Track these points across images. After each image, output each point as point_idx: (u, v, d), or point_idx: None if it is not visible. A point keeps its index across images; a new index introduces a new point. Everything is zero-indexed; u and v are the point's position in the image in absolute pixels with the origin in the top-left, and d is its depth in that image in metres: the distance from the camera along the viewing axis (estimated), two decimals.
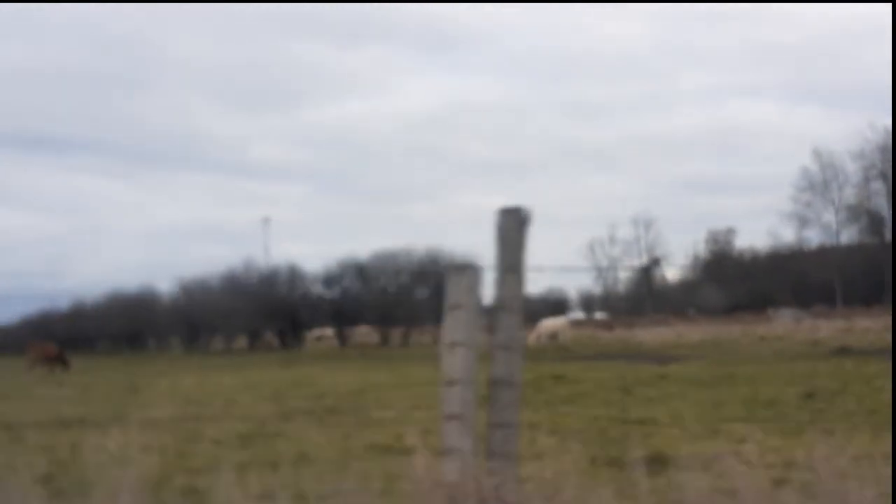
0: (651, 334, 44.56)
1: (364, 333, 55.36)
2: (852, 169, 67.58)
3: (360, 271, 52.58)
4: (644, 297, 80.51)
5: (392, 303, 50.15)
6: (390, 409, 12.83)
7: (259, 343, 59.76)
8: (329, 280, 54.70)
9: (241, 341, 62.45)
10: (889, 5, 58.40)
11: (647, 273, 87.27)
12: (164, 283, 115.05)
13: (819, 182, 68.36)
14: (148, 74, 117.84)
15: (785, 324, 46.88)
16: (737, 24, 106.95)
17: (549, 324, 38.63)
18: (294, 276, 58.05)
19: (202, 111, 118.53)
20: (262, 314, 56.96)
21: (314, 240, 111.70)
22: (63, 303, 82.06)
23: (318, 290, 57.32)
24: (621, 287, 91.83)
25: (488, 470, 4.27)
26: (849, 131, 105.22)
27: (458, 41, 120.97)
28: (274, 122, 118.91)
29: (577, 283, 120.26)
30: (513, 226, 4.48)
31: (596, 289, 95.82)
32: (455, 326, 4.54)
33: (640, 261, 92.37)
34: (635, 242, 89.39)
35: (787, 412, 11.00)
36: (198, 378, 22.39)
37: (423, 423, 10.76)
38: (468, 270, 4.62)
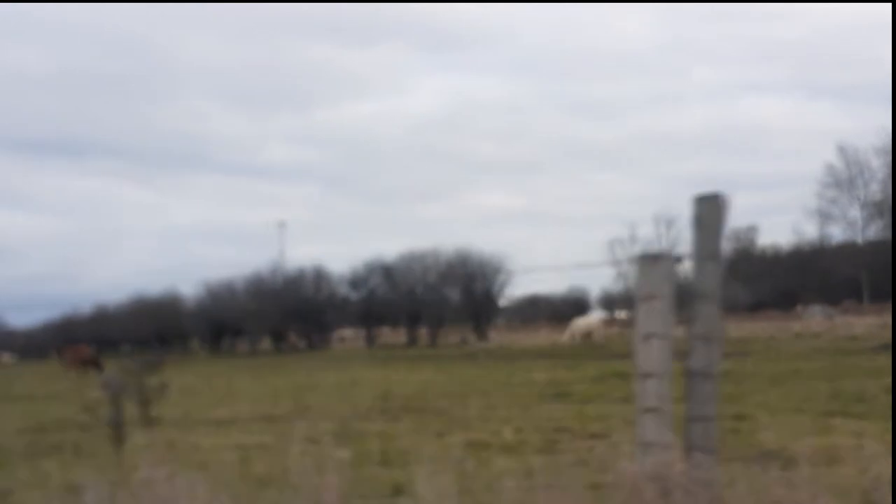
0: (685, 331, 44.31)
1: (390, 334, 55.37)
2: (877, 165, 67.03)
3: (387, 272, 52.50)
4: None
5: (419, 303, 50.09)
6: (466, 407, 12.72)
7: (284, 344, 59.80)
8: (355, 281, 54.70)
9: (266, 343, 62.56)
10: (889, 5, 57.94)
11: None
12: (181, 285, 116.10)
13: (845, 178, 67.85)
14: (161, 77, 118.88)
15: (817, 321, 46.56)
16: (744, 20, 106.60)
17: (583, 322, 38.46)
18: (319, 277, 58.16)
19: (215, 113, 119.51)
20: (288, 315, 57.07)
21: (326, 240, 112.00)
22: (83, 306, 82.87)
23: (342, 291, 57.48)
24: None
25: (691, 463, 4.15)
26: (871, 127, 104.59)
27: (467, 41, 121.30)
28: (286, 123, 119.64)
29: (599, 281, 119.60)
30: (711, 212, 4.37)
31: (616, 287, 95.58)
32: (650, 318, 4.40)
33: None
34: (657, 241, 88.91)
35: (878, 406, 10.82)
36: (247, 379, 22.34)
37: (514, 421, 10.67)
38: (663, 259, 4.50)
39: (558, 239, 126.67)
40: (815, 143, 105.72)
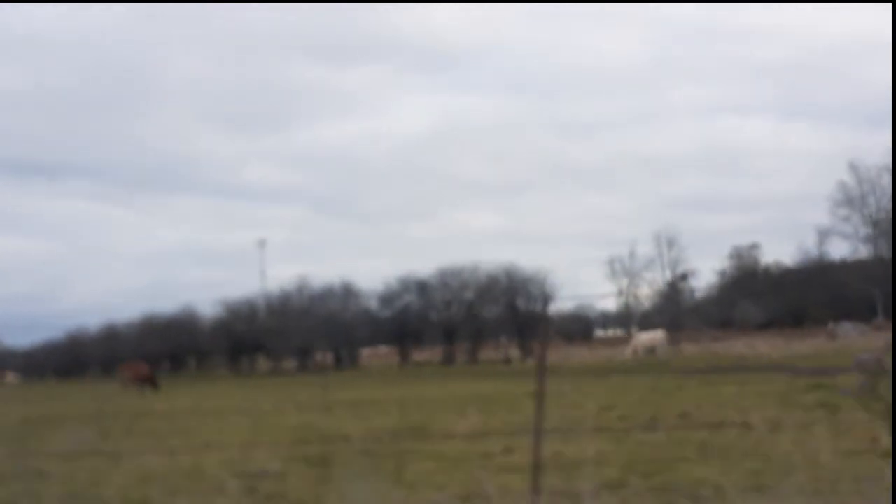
0: (729, 348, 44.50)
1: (423, 351, 55.13)
2: (887, 181, 68.22)
3: (422, 288, 52.31)
4: (677, 313, 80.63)
5: (457, 319, 49.97)
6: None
7: (310, 362, 59.19)
8: (388, 298, 54.39)
9: (288, 362, 61.98)
10: (889, 5, 59.07)
11: (674, 288, 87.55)
12: (162, 305, 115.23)
13: (857, 196, 68.91)
14: (144, 98, 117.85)
15: (853, 337, 47.04)
16: (727, 40, 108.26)
17: (647, 337, 38.51)
18: (348, 293, 57.76)
19: (199, 134, 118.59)
20: (316, 333, 56.56)
21: (309, 261, 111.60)
22: (88, 326, 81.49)
23: (371, 307, 57.15)
24: (647, 304, 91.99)
25: None
26: (850, 147, 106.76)
27: (452, 61, 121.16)
28: (270, 143, 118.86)
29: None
30: None
31: (612, 307, 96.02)
32: None
33: (663, 277, 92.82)
34: (658, 258, 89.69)
35: None
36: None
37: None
38: None
39: (544, 257, 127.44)
40: (790, 163, 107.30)
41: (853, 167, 69.64)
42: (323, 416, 16.53)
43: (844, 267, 72.36)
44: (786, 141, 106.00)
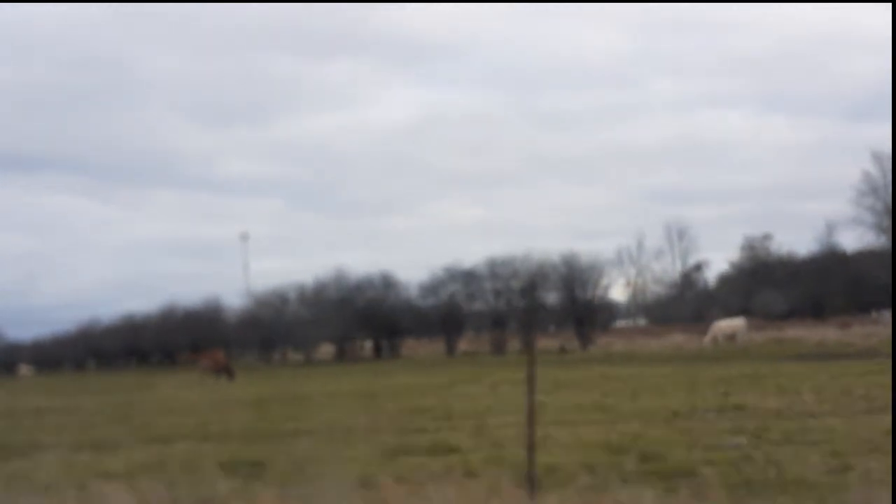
0: (782, 335, 44.61)
1: (469, 341, 54.84)
2: None
3: (470, 277, 52.00)
4: (696, 303, 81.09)
5: (509, 308, 49.73)
6: None
7: (348, 353, 58.64)
8: (432, 287, 54.01)
9: (321, 353, 61.41)
10: (889, 6, 59.52)
11: (688, 278, 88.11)
12: (140, 301, 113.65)
13: (881, 185, 69.47)
14: (122, 91, 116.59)
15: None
16: (707, 32, 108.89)
17: (726, 325, 38.48)
18: (387, 283, 57.28)
19: (177, 127, 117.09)
20: (355, 323, 56.02)
21: (290, 254, 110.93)
22: (102, 318, 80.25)
23: (411, 297, 56.75)
24: (661, 293, 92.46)
25: None
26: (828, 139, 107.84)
27: (431, 53, 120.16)
28: (249, 136, 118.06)
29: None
30: None
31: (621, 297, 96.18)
32: None
33: (674, 268, 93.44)
34: (668, 250, 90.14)
35: None
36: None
37: None
38: None
39: (522, 247, 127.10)
40: (769, 155, 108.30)
41: (876, 157, 70.30)
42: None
43: (865, 256, 73.00)
44: (764, 133, 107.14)
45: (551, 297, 49.12)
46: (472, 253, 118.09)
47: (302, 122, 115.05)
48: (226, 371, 36.80)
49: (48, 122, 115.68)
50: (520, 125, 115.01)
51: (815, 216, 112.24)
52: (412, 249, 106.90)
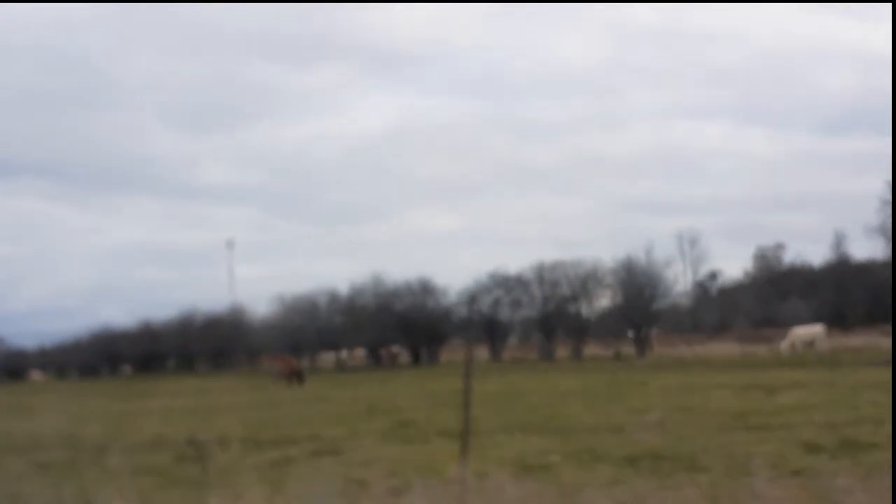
0: (835, 344, 44.26)
1: (513, 347, 54.26)
2: None
3: (517, 283, 51.41)
4: (714, 311, 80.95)
5: (558, 314, 49.20)
6: None
7: (385, 358, 57.76)
8: (476, 294, 53.33)
9: (357, 359, 60.56)
10: (889, 5, 59.89)
11: (703, 287, 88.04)
12: (117, 307, 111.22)
13: None
14: (99, 96, 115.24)
15: None
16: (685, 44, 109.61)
17: (804, 331, 38.18)
18: (426, 289, 56.51)
19: (155, 133, 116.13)
20: (393, 329, 55.25)
21: (266, 262, 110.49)
22: (115, 324, 78.60)
23: (450, 303, 56.08)
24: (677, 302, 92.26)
25: None
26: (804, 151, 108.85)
27: (410, 62, 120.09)
28: (227, 143, 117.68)
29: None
30: None
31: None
32: None
33: (685, 277, 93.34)
34: (680, 258, 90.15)
35: None
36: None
37: None
38: None
39: (501, 257, 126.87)
40: (746, 166, 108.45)
41: None
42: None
43: (882, 266, 73.31)
44: (741, 145, 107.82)
45: (603, 303, 48.54)
46: (450, 262, 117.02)
47: (281, 130, 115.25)
48: (297, 375, 36.09)
49: (24, 126, 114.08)
50: (498, 134, 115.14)
51: (791, 228, 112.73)
52: (392, 257, 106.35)
